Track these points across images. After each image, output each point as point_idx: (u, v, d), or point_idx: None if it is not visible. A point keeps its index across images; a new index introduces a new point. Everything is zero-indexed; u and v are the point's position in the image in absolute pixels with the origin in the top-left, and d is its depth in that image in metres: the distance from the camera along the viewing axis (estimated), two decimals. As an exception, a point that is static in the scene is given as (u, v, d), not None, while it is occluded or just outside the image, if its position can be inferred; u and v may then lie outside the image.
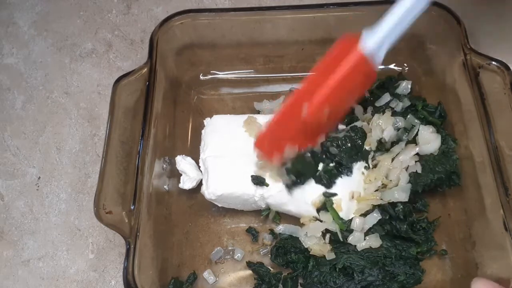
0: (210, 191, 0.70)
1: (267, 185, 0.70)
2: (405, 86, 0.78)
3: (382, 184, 0.70)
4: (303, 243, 0.68)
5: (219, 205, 0.73)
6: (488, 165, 0.64)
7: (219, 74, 0.86)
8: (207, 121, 0.78)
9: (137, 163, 0.65)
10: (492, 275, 0.61)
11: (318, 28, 0.79)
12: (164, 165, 0.75)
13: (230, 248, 0.72)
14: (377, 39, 0.62)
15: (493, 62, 0.68)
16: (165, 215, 0.74)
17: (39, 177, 0.81)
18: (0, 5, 1.01)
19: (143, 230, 0.63)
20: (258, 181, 0.70)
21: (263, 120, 0.74)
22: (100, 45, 0.94)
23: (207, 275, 0.70)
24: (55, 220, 0.77)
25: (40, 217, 0.78)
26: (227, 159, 0.72)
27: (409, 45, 0.80)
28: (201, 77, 0.86)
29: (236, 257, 0.71)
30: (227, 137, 0.74)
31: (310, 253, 0.68)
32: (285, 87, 0.84)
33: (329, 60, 0.65)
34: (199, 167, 0.75)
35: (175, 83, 0.82)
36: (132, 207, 0.63)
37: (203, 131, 0.77)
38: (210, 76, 0.86)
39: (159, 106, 0.73)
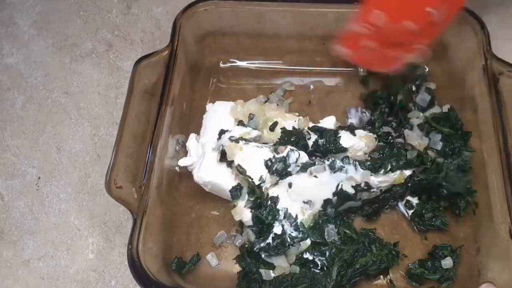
0: (199, 175, 0.71)
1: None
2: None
3: None
4: (264, 276, 0.67)
5: (206, 190, 0.73)
6: (499, 173, 0.64)
7: (239, 63, 0.87)
8: (209, 106, 0.78)
9: (150, 142, 0.67)
10: (494, 282, 0.61)
11: (340, 23, 0.79)
12: (177, 147, 0.76)
13: (232, 233, 0.72)
14: None
15: None
16: (174, 195, 0.74)
17: (39, 177, 0.81)
18: (0, 5, 1.01)
19: (150, 207, 0.64)
20: (235, 194, 0.69)
21: (252, 106, 0.75)
22: (100, 45, 0.94)
23: (210, 258, 0.71)
24: (55, 220, 0.77)
25: (40, 217, 0.78)
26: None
27: (431, 46, 0.79)
28: (221, 65, 0.87)
29: (237, 243, 0.71)
30: (228, 125, 0.74)
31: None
32: (305, 81, 0.85)
33: None
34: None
35: (194, 69, 0.83)
36: (142, 184, 0.64)
37: (204, 116, 0.77)
38: (230, 64, 0.87)
39: (177, 89, 0.74)
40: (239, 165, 0.68)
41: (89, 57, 0.93)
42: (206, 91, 0.85)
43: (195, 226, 0.74)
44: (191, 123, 0.80)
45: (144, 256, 0.60)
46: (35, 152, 0.84)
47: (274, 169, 0.68)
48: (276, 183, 0.69)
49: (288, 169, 0.68)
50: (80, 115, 0.87)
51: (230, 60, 0.87)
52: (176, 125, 0.75)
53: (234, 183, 0.69)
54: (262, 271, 0.67)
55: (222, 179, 0.70)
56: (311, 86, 0.85)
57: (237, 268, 0.70)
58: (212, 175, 0.70)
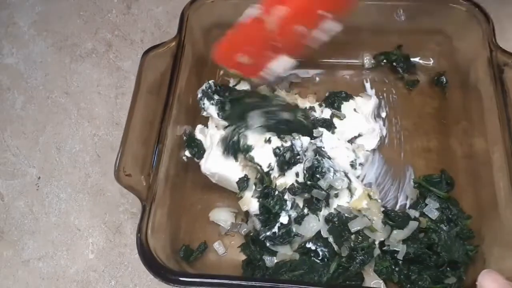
0: (206, 166, 0.71)
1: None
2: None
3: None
4: (268, 263, 0.67)
5: (213, 181, 0.73)
6: (505, 163, 0.64)
7: None
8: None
9: (158, 131, 0.67)
10: (501, 270, 0.60)
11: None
12: (185, 137, 0.76)
13: (238, 222, 0.73)
14: None
15: None
16: (181, 183, 0.75)
17: (39, 177, 0.81)
18: (0, 5, 1.01)
19: (159, 195, 0.65)
20: (242, 185, 0.69)
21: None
22: (100, 45, 0.94)
23: (218, 246, 0.71)
24: (55, 220, 0.77)
25: (40, 217, 0.78)
26: None
27: (436, 39, 0.81)
28: None
29: (242, 231, 0.72)
30: None
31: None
32: (311, 73, 0.86)
33: None
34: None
35: (201, 61, 0.83)
36: (150, 172, 0.65)
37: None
38: None
39: (184, 81, 0.75)
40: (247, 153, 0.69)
41: (89, 57, 0.93)
42: None
43: (202, 215, 0.74)
44: (198, 114, 0.80)
45: (153, 242, 0.60)
46: (35, 152, 0.84)
47: (283, 158, 0.68)
48: (284, 174, 0.69)
49: (297, 157, 0.68)
50: (80, 115, 0.87)
51: None
52: (183, 115, 0.75)
53: (241, 175, 0.70)
54: (265, 258, 0.67)
55: (229, 171, 0.70)
56: (317, 78, 0.86)
57: (243, 256, 0.70)
58: (219, 166, 0.71)
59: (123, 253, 0.74)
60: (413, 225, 0.65)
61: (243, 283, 0.57)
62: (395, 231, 0.65)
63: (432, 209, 0.68)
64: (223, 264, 0.71)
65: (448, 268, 0.66)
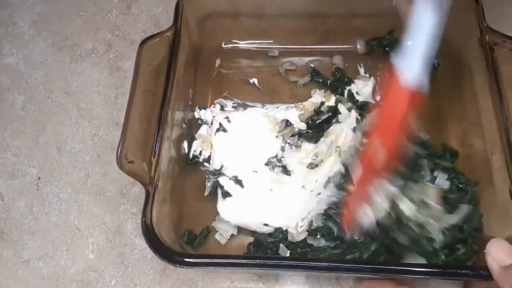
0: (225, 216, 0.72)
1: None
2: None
3: None
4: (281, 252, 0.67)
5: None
6: (498, 138, 0.65)
7: (240, 46, 0.89)
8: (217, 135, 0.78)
9: (158, 118, 0.67)
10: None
11: (341, 2, 0.81)
12: (184, 126, 0.77)
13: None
14: (413, 69, 0.59)
15: (509, 40, 0.69)
16: (183, 169, 0.76)
17: (39, 177, 0.81)
18: (0, 5, 1.01)
19: (162, 180, 0.65)
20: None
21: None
22: (100, 45, 0.94)
23: (219, 237, 0.72)
24: (55, 220, 0.77)
25: (40, 217, 0.78)
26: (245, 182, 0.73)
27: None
28: (223, 46, 0.89)
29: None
30: (243, 150, 0.75)
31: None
32: (305, 60, 0.87)
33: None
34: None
35: (197, 51, 0.84)
36: (151, 159, 0.65)
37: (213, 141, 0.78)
38: (231, 46, 0.89)
39: (181, 72, 0.75)
40: None
41: (89, 57, 0.93)
42: (209, 76, 0.87)
43: (204, 200, 0.74)
44: (195, 106, 0.82)
45: (158, 227, 0.61)
46: (35, 152, 0.84)
47: None
48: None
49: None
50: (80, 115, 0.87)
51: (232, 41, 0.88)
52: (182, 105, 0.76)
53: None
54: (281, 245, 0.67)
55: (248, 221, 0.71)
56: (311, 65, 0.87)
57: (249, 239, 0.71)
58: (237, 217, 0.71)
59: (123, 253, 0.74)
60: (465, 209, 0.64)
61: (252, 261, 0.58)
62: (447, 215, 0.64)
63: (443, 180, 0.68)
64: (228, 248, 0.72)
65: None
